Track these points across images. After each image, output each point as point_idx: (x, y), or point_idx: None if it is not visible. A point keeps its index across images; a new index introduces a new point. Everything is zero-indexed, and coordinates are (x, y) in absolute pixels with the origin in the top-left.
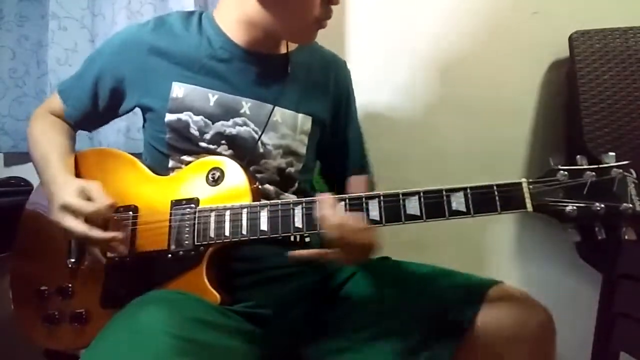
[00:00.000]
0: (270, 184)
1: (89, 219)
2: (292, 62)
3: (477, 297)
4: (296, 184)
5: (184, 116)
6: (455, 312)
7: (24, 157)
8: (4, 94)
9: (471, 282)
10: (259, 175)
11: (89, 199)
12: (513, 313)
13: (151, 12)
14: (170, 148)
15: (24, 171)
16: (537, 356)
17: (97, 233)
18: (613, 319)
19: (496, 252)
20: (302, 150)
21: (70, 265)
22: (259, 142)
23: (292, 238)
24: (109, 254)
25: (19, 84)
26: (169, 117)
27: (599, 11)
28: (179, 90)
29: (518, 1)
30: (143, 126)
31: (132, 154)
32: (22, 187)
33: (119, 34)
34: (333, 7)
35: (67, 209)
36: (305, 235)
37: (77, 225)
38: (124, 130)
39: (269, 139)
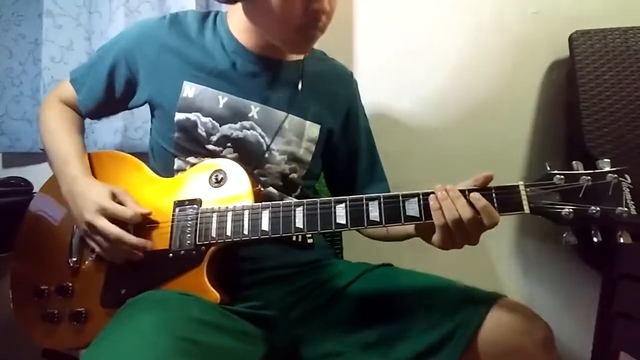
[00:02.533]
0: (273, 188)
1: (121, 223)
2: (302, 70)
3: (480, 310)
4: (298, 190)
5: (192, 116)
6: (458, 324)
7: (23, 158)
8: (1, 94)
9: (475, 293)
10: (262, 179)
11: (120, 203)
12: (516, 326)
13: (149, 10)
14: (177, 148)
15: (23, 173)
16: None
17: (131, 238)
18: (613, 319)
19: (497, 253)
20: (308, 157)
21: (71, 265)
22: (265, 146)
23: (294, 238)
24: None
25: (15, 83)
26: (178, 116)
27: (599, 11)
28: (189, 90)
29: (518, 1)
30: (151, 123)
31: (129, 154)
32: (22, 187)
33: (136, 26)
34: (337, 12)
35: (103, 212)
36: (308, 236)
37: (112, 228)
38: (121, 130)
39: (275, 144)
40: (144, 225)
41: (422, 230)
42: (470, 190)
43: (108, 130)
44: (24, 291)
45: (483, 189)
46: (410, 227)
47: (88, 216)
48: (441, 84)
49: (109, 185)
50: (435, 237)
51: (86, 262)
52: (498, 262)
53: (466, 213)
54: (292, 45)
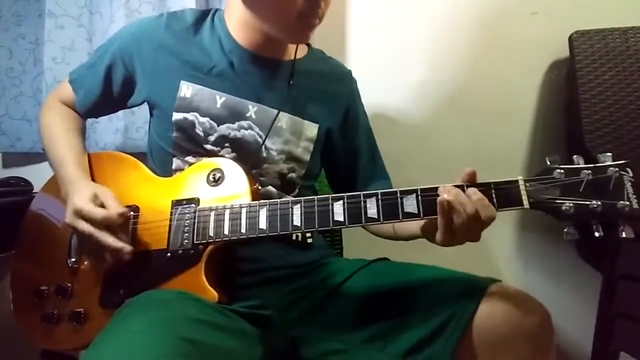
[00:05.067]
0: (272, 187)
1: (99, 224)
2: (299, 70)
3: (475, 295)
4: (297, 189)
5: (190, 116)
6: (454, 311)
7: (23, 158)
8: (1, 94)
9: (470, 280)
10: (260, 179)
11: (102, 205)
12: (511, 311)
13: (150, 10)
14: (176, 147)
15: (23, 173)
16: (536, 353)
17: (109, 240)
18: (613, 319)
19: (496, 252)
20: (306, 157)
21: (70, 265)
22: (263, 146)
23: (293, 237)
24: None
25: (15, 83)
26: (176, 116)
27: (599, 11)
28: (187, 89)
29: (518, 1)
30: (149, 123)
31: (130, 153)
32: (22, 187)
33: (132, 25)
34: (331, 8)
35: (79, 213)
36: (308, 235)
37: (88, 229)
38: (122, 130)
39: (273, 144)
40: (141, 224)
41: (427, 231)
42: (468, 186)
43: (109, 130)
44: (24, 291)
45: (481, 184)
46: (415, 228)
47: (68, 219)
48: (441, 83)
49: (95, 187)
50: (438, 235)
51: (85, 263)
52: (498, 261)
53: (469, 210)
54: (292, 33)
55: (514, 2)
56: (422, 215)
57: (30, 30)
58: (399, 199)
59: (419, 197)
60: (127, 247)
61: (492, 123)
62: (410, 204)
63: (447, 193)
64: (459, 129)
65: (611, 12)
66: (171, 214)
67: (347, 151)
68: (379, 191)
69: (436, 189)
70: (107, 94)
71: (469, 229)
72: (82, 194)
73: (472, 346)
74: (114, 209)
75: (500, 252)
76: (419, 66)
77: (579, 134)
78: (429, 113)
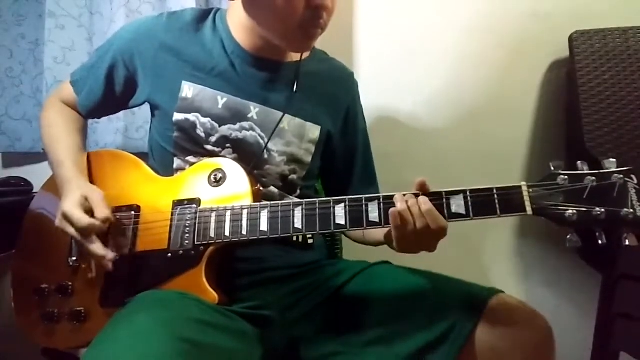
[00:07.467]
0: (274, 187)
1: (84, 230)
2: (301, 72)
3: (478, 305)
4: (298, 190)
5: (191, 117)
6: (456, 320)
7: (23, 158)
8: (1, 94)
9: (472, 290)
10: (262, 180)
11: (90, 209)
12: (513, 322)
13: (150, 10)
14: (177, 147)
15: (23, 173)
16: None
17: (93, 247)
18: (613, 319)
19: (496, 252)
20: (308, 158)
21: (71, 264)
22: (265, 148)
23: (294, 239)
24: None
25: (15, 84)
26: (177, 116)
27: (599, 11)
28: (188, 90)
29: (518, 1)
30: (151, 122)
31: (131, 154)
32: (22, 187)
33: (132, 25)
34: (338, 11)
35: (66, 218)
36: (309, 236)
37: (74, 234)
38: (122, 130)
39: (274, 145)
40: (142, 224)
41: (389, 239)
42: (422, 195)
43: (109, 130)
44: (25, 290)
45: (483, 189)
46: (380, 234)
47: (57, 222)
48: (441, 84)
49: (84, 188)
50: (394, 243)
51: (86, 262)
52: (498, 262)
53: (419, 221)
54: (293, 42)
55: (514, 2)
56: (383, 224)
57: (31, 30)
58: (364, 206)
59: (381, 204)
60: (110, 255)
61: (492, 123)
62: (374, 211)
63: (400, 203)
64: (459, 130)
65: (611, 12)
66: (172, 214)
67: (344, 153)
68: (381, 195)
69: (439, 193)
70: (110, 94)
71: (421, 239)
72: (71, 197)
73: (474, 356)
74: (100, 214)
75: (500, 252)
76: (419, 67)
77: (579, 134)
78: (430, 114)
